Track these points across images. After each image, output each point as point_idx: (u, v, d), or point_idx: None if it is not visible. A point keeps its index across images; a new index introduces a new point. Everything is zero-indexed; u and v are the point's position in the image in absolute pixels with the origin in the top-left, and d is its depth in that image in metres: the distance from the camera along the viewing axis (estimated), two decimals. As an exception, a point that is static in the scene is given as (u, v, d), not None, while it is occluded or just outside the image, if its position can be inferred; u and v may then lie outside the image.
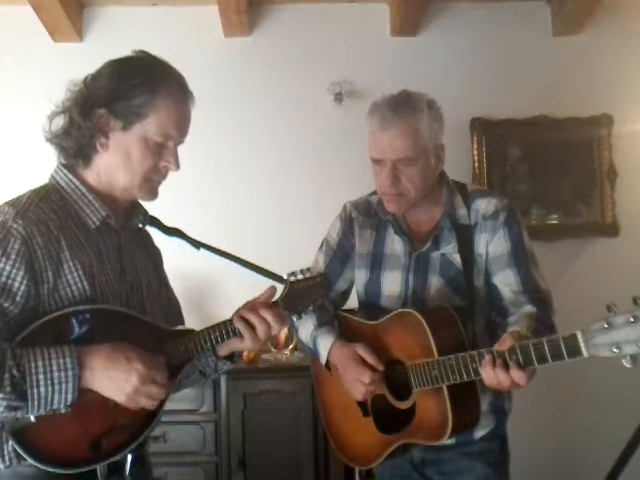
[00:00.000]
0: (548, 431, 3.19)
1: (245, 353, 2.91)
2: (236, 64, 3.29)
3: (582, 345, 1.24)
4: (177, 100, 1.38)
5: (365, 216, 1.83)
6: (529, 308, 1.60)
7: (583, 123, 3.28)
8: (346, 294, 1.91)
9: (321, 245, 1.90)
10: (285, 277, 1.44)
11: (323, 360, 1.74)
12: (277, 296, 1.44)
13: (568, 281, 3.09)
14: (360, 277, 1.82)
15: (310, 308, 1.47)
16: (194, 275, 3.01)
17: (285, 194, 3.26)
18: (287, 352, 3.00)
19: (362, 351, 1.64)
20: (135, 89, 1.33)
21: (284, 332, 3.05)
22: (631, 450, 2.19)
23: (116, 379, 1.23)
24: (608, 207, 3.29)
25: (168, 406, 2.69)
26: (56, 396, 1.19)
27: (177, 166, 1.40)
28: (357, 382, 1.63)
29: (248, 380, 2.80)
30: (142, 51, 1.42)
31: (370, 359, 1.63)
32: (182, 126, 1.40)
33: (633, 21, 3.31)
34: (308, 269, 1.46)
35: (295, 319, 1.49)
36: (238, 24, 3.18)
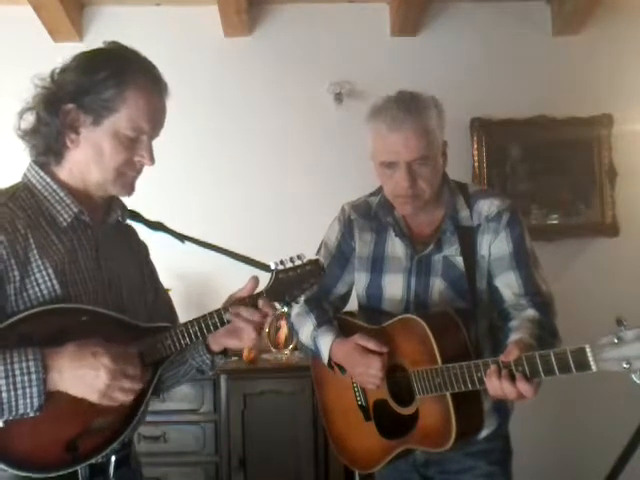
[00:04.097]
0: (549, 430, 3.19)
1: (245, 353, 2.92)
2: (236, 64, 3.29)
3: (591, 359, 1.21)
4: (148, 93, 1.33)
5: (365, 218, 1.80)
6: (531, 312, 1.58)
7: (583, 123, 3.29)
8: (346, 297, 1.89)
9: (319, 248, 1.87)
10: (272, 266, 1.38)
11: (325, 359, 1.72)
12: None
13: (568, 281, 3.08)
14: (361, 280, 1.80)
15: (301, 297, 1.40)
16: (195, 274, 3.02)
17: (285, 194, 3.26)
18: (287, 352, 3.00)
19: (362, 340, 1.62)
20: (103, 83, 1.29)
21: (284, 332, 3.05)
22: (631, 450, 2.19)
23: (85, 377, 1.18)
24: (608, 207, 3.30)
25: (168, 406, 2.72)
26: (21, 401, 1.15)
27: (151, 160, 1.35)
28: (368, 372, 1.61)
29: (248, 380, 2.81)
30: (113, 42, 1.37)
31: (372, 345, 1.60)
32: (155, 119, 1.35)
33: (633, 21, 3.32)
34: (299, 256, 1.39)
35: (286, 309, 1.43)
36: (238, 24, 3.19)
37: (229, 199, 3.25)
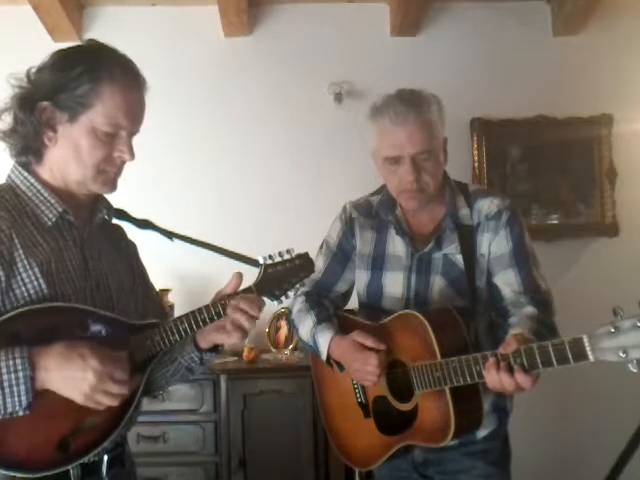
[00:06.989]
0: (549, 430, 3.19)
1: (245, 353, 2.92)
2: (236, 64, 3.29)
3: (588, 349, 1.22)
4: (124, 87, 1.31)
5: (366, 217, 1.82)
6: (530, 309, 1.58)
7: (583, 123, 3.29)
8: (347, 295, 1.90)
9: (321, 246, 1.89)
10: (261, 261, 1.38)
11: (323, 356, 1.73)
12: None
13: (568, 281, 3.09)
14: (361, 278, 1.81)
15: (291, 292, 1.41)
16: (195, 274, 3.01)
17: (285, 194, 3.26)
18: (287, 352, 3.00)
19: (359, 337, 1.63)
20: (77, 79, 1.28)
21: (284, 332, 3.05)
22: (631, 450, 2.20)
23: (71, 378, 1.17)
24: (608, 207, 3.30)
25: (168, 406, 2.72)
26: (8, 399, 1.14)
27: (131, 156, 1.33)
28: (364, 369, 1.61)
29: (248, 380, 2.80)
30: (90, 40, 1.36)
31: (369, 342, 1.61)
32: (133, 114, 1.33)
33: (633, 21, 3.32)
34: (288, 251, 1.40)
35: (277, 304, 1.42)
36: (238, 24, 3.19)
37: (229, 199, 3.25)
